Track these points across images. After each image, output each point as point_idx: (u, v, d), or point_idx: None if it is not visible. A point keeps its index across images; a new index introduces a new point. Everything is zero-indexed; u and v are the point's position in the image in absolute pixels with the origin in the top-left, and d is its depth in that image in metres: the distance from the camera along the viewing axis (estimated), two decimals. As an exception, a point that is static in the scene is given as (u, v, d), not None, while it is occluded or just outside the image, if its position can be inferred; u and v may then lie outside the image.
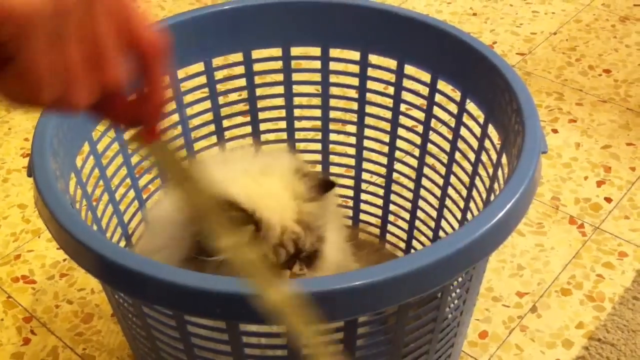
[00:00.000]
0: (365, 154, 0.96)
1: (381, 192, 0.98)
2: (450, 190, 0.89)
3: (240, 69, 0.89)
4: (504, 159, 0.73)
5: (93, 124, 0.76)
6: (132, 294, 0.59)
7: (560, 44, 1.48)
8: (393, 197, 0.98)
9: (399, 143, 0.93)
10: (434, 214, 0.93)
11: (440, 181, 0.90)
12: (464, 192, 0.86)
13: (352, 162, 0.97)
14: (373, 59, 0.87)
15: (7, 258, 1.06)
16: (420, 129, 0.89)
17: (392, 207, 0.99)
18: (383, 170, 0.96)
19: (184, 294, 0.53)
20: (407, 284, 0.55)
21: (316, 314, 0.53)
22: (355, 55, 0.87)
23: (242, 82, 0.90)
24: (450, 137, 0.86)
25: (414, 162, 0.93)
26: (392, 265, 0.54)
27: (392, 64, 0.86)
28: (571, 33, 1.51)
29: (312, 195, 0.71)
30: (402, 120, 0.90)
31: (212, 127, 0.92)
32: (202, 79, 0.87)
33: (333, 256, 0.75)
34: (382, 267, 0.54)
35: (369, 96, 0.90)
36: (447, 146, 0.87)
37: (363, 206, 1.02)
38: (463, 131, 0.84)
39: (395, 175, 0.96)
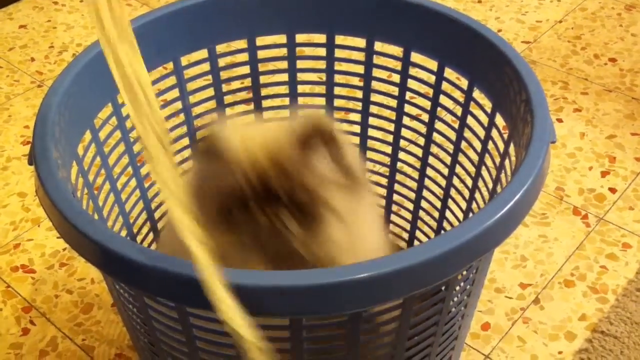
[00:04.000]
0: (369, 142, 0.95)
1: (385, 181, 0.97)
2: (456, 180, 0.88)
3: (243, 56, 0.88)
4: (511, 149, 0.72)
5: (95, 111, 0.75)
6: (133, 285, 0.58)
7: (565, 32, 1.46)
8: (397, 186, 0.97)
9: (404, 132, 0.92)
10: (439, 204, 0.92)
11: (445, 171, 0.89)
12: (470, 182, 0.85)
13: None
14: (378, 46, 0.86)
15: (6, 247, 1.05)
16: (425, 117, 0.88)
17: (395, 197, 0.98)
18: (387, 160, 0.95)
19: (186, 286, 0.52)
20: (413, 277, 0.54)
21: (320, 306, 0.52)
22: (361, 42, 0.86)
23: (246, 69, 0.89)
24: (456, 126, 0.85)
25: (418, 152, 0.91)
26: (397, 258, 0.53)
27: (398, 51, 0.85)
28: (577, 21, 1.49)
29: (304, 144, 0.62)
30: (408, 108, 0.89)
31: (214, 116, 0.91)
32: (206, 66, 0.86)
33: (367, 242, 0.67)
34: (387, 260, 0.53)
35: (374, 84, 0.89)
36: (452, 135, 0.86)
37: (366, 196, 1.00)
38: (469, 120, 0.83)
39: (399, 164, 0.95)
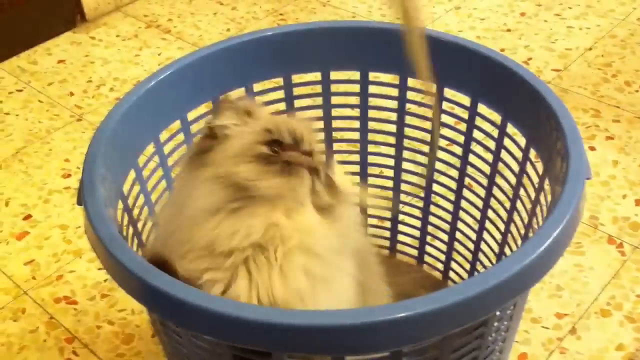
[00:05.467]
0: (403, 175, 0.96)
1: (418, 213, 0.99)
2: (490, 213, 0.89)
3: (280, 94, 0.90)
4: (546, 183, 0.72)
5: (139, 150, 0.78)
6: (179, 324, 0.60)
7: (595, 59, 1.47)
8: (431, 218, 0.98)
9: (438, 165, 0.93)
10: (474, 236, 0.93)
11: (480, 203, 0.89)
12: (504, 215, 0.85)
13: (389, 183, 0.97)
14: (411, 82, 0.87)
15: (49, 279, 1.08)
16: (459, 151, 0.89)
17: (429, 229, 0.99)
18: (420, 191, 0.96)
19: (233, 324, 0.54)
20: (452, 316, 0.55)
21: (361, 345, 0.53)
22: (395, 78, 0.88)
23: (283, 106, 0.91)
24: (490, 159, 0.86)
25: (452, 184, 0.93)
26: (436, 297, 0.54)
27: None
28: (606, 48, 1.50)
29: None
30: (441, 142, 0.91)
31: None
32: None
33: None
34: (428, 299, 0.54)
35: (408, 119, 0.91)
36: (487, 169, 0.87)
37: (400, 227, 1.02)
38: (503, 154, 0.84)
39: (433, 197, 0.96)
